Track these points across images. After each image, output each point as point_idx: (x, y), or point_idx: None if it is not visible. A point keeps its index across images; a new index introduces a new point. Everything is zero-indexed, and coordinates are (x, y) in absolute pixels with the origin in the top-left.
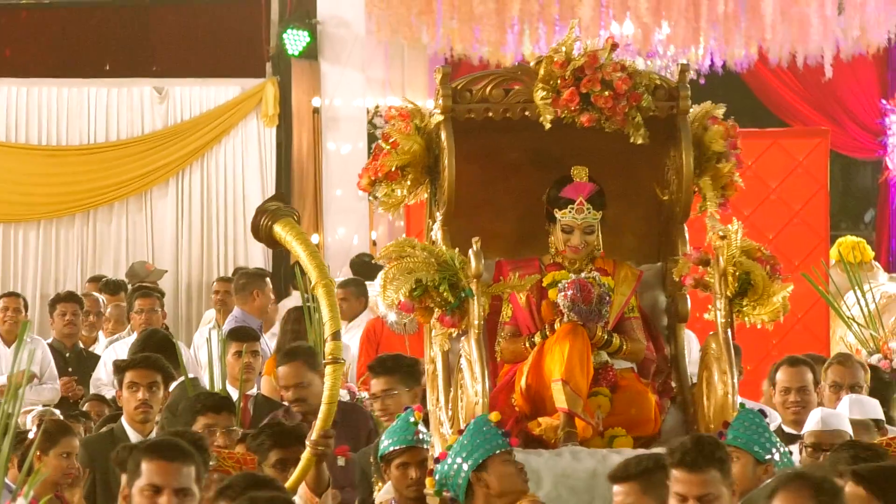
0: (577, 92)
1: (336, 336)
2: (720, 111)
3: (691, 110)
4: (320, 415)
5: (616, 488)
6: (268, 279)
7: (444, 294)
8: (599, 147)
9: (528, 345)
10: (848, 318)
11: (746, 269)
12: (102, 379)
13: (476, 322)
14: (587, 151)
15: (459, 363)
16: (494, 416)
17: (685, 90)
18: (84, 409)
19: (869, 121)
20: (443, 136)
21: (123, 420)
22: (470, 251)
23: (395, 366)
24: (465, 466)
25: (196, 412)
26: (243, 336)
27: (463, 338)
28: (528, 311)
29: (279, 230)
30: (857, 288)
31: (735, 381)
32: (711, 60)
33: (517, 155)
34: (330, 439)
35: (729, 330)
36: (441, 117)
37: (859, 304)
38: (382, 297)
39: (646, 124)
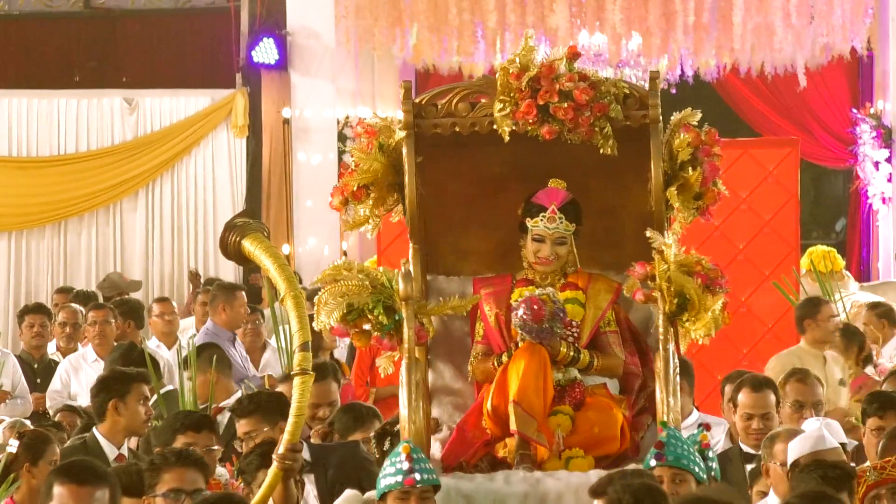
0: (534, 104)
1: (304, 347)
2: (695, 119)
3: (672, 118)
4: (288, 427)
5: (596, 503)
6: (238, 292)
7: (379, 317)
8: (588, 159)
9: (496, 364)
10: None
11: (679, 284)
12: (59, 390)
13: (406, 346)
14: (575, 164)
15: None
16: (405, 449)
17: (655, 98)
18: (56, 419)
19: (840, 130)
20: (404, 152)
21: (96, 430)
22: (398, 274)
23: (256, 406)
24: (374, 494)
25: (175, 430)
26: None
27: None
28: (498, 330)
29: (248, 245)
30: (828, 297)
31: (671, 399)
32: (682, 70)
33: (503, 169)
34: (298, 453)
35: (671, 347)
36: (403, 133)
37: None
38: (316, 322)
39: (624, 134)
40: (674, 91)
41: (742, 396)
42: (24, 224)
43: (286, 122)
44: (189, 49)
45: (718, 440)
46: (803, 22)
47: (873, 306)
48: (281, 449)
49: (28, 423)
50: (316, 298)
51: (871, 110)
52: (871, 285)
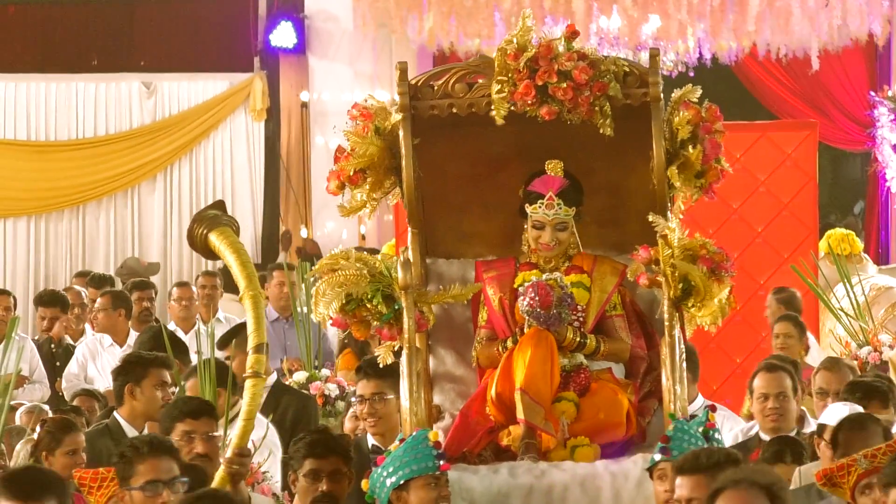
0: (532, 85)
1: (258, 349)
2: (695, 95)
3: (672, 95)
4: (237, 430)
5: (679, 481)
6: (272, 272)
7: (378, 306)
8: (590, 137)
9: (501, 349)
10: (837, 310)
11: (683, 271)
12: (76, 373)
13: (407, 336)
14: (577, 142)
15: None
16: (433, 436)
17: (655, 76)
18: (74, 403)
19: (858, 113)
20: (401, 135)
21: (117, 414)
22: (397, 262)
23: (388, 370)
24: (389, 482)
25: (174, 418)
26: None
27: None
28: (502, 314)
29: (213, 239)
30: (846, 280)
31: (678, 387)
32: (700, 53)
33: (504, 149)
34: (246, 458)
35: (677, 333)
36: (399, 116)
37: (849, 296)
38: (315, 313)
39: (626, 112)
40: (692, 74)
41: (757, 380)
42: (42, 208)
43: (304, 105)
44: (207, 33)
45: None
46: (820, 4)
47: (776, 291)
48: (228, 453)
49: (46, 407)
50: (314, 289)
51: (889, 93)
52: (889, 268)
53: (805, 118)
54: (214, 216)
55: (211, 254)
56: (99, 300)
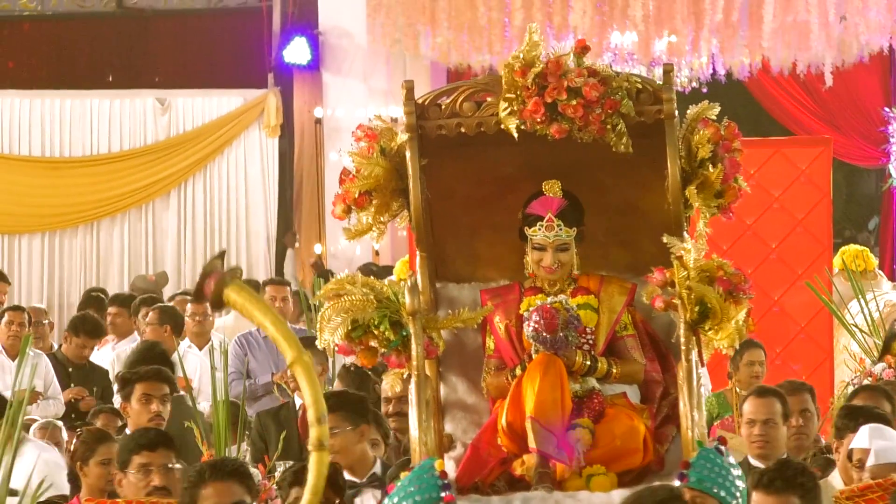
0: (541, 102)
1: (321, 420)
2: (713, 112)
3: (688, 112)
4: None
5: None
6: (264, 287)
7: (386, 333)
8: (602, 156)
9: (510, 378)
10: (852, 326)
11: (699, 293)
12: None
13: (415, 363)
14: (588, 161)
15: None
16: (439, 465)
17: (669, 92)
18: (99, 424)
19: (872, 129)
20: (408, 156)
21: (128, 430)
22: (404, 286)
23: (339, 403)
24: None
25: (130, 451)
26: None
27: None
28: (509, 342)
29: (234, 297)
30: (860, 296)
31: (695, 414)
32: (714, 69)
33: (514, 169)
34: None
35: (694, 357)
36: (406, 136)
37: (863, 312)
38: (319, 340)
39: (639, 130)
40: (705, 90)
41: (747, 404)
42: (57, 224)
43: (318, 121)
44: (221, 49)
45: None
46: (836, 20)
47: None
48: None
49: (60, 423)
50: (319, 315)
51: None
52: None
53: (819, 134)
54: (226, 270)
55: (221, 305)
56: (149, 315)
